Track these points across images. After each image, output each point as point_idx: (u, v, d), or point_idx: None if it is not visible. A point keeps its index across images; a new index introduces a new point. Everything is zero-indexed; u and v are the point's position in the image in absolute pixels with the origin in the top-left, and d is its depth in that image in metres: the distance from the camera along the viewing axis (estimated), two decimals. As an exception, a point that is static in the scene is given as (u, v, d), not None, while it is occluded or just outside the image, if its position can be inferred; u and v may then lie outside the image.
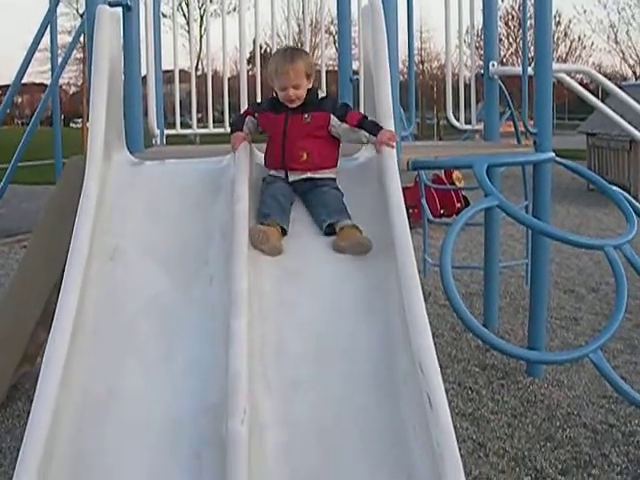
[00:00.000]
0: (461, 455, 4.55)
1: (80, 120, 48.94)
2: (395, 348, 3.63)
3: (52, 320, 3.61)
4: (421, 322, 3.49)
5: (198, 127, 8.22)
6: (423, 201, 8.58)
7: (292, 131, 4.34)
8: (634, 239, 5.16)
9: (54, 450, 3.27)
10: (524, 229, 8.41)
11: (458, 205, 12.42)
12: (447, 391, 5.44)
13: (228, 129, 5.04)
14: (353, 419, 3.45)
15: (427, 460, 3.23)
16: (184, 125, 8.21)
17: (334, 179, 4.39)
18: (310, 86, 4.39)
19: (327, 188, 4.32)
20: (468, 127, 7.66)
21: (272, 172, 4.42)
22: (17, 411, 5.91)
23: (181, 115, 7.89)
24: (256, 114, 4.52)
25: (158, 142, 7.04)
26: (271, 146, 4.47)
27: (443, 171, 12.75)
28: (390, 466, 3.29)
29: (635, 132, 7.98)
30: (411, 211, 10.69)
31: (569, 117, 57.09)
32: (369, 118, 4.41)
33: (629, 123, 8.00)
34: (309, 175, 4.35)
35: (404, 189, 4.13)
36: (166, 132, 7.28)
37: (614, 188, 5.76)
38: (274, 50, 5.38)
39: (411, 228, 3.86)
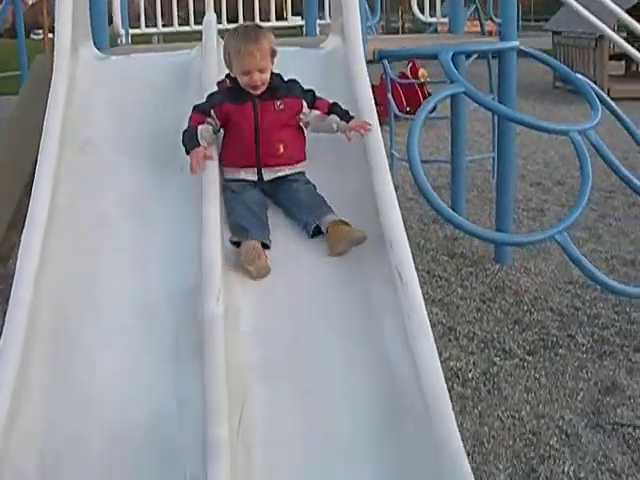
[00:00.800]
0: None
1: (41, 31, 48.08)
2: (365, 226, 3.68)
3: (24, 222, 3.64)
4: (388, 200, 3.60)
5: (163, 27, 8.15)
6: (389, 96, 8.59)
7: (264, 121, 3.80)
8: (598, 126, 5.24)
9: (34, 334, 3.33)
10: (490, 126, 8.45)
11: (423, 101, 12.40)
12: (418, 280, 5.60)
13: (194, 26, 4.80)
14: (324, 295, 3.53)
15: (399, 337, 3.29)
16: (149, 24, 8.14)
17: (303, 172, 3.92)
18: (273, 66, 3.87)
19: (297, 184, 3.84)
20: (433, 20, 7.65)
21: (236, 174, 3.85)
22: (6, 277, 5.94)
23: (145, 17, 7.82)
24: (211, 112, 3.83)
25: (124, 42, 6.99)
26: (237, 141, 3.85)
27: (409, 69, 12.73)
28: (362, 340, 3.36)
29: (603, 26, 7.98)
30: (377, 109, 10.58)
31: (535, 19, 56.75)
32: (337, 104, 3.95)
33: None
34: (286, 172, 3.85)
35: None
36: (131, 32, 7.22)
37: (579, 76, 5.80)
38: None
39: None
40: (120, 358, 3.42)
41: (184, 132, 3.84)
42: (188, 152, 3.79)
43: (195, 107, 3.90)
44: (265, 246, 3.62)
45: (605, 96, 5.81)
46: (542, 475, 3.92)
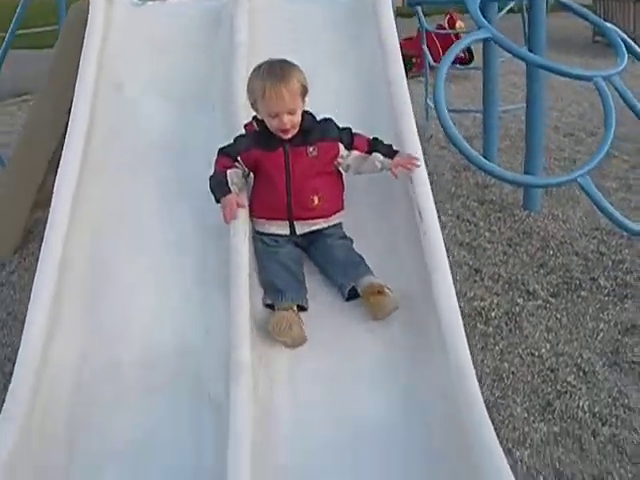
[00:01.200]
0: (457, 280, 4.89)
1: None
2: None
3: (49, 201, 3.82)
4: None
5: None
6: (424, 47, 8.64)
7: (297, 170, 3.47)
8: (623, 72, 5.30)
9: (68, 261, 3.52)
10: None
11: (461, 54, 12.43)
12: (446, 223, 5.78)
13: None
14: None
15: (418, 267, 3.43)
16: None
17: (340, 224, 3.63)
18: (305, 106, 3.51)
19: (332, 239, 3.55)
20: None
21: (267, 226, 3.57)
22: (33, 250, 6.16)
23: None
24: (238, 158, 3.55)
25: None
26: (267, 192, 3.54)
27: (446, 21, 12.73)
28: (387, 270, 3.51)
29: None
30: (414, 61, 10.76)
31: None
32: (379, 139, 3.63)
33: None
34: (321, 225, 3.57)
35: (406, 39, 4.21)
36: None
37: (610, 26, 5.84)
38: None
39: (414, 77, 3.98)
40: (151, 289, 3.61)
41: (211, 177, 3.55)
42: (218, 200, 3.51)
43: (221, 150, 3.59)
44: (301, 308, 3.36)
45: (636, 47, 5.85)
46: (558, 409, 4.05)
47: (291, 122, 3.41)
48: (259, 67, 3.47)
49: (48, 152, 5.97)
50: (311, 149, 3.49)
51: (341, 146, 3.55)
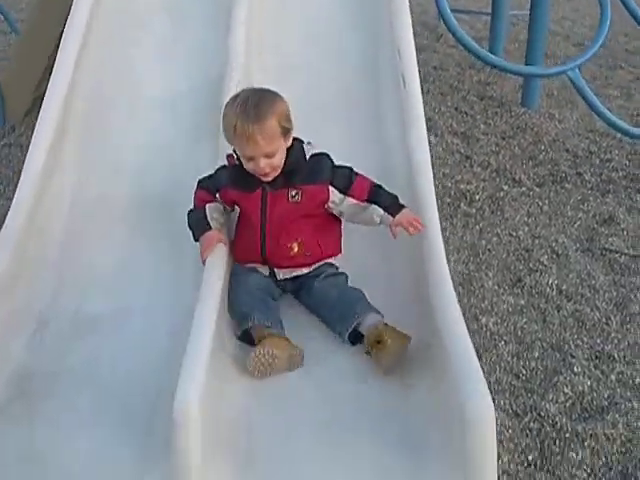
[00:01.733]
0: (447, 164, 5.05)
1: None
2: (379, 36, 3.96)
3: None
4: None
5: None
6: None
7: (274, 215, 3.06)
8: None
9: (71, 103, 3.71)
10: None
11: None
12: (444, 114, 5.93)
13: None
14: (336, 102, 3.84)
15: (400, 144, 3.60)
16: None
17: (330, 263, 3.20)
18: (290, 143, 3.05)
19: (319, 281, 3.12)
20: None
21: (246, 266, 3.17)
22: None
23: None
24: (217, 195, 3.19)
25: None
26: (245, 234, 3.18)
27: None
28: (367, 134, 3.69)
29: None
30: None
31: None
32: (382, 187, 3.14)
33: None
34: (304, 272, 3.16)
35: None
36: None
37: None
38: None
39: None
40: (147, 132, 3.83)
41: (189, 213, 3.22)
42: (197, 238, 3.15)
43: (200, 182, 3.26)
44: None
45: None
46: (527, 285, 4.26)
47: (270, 166, 2.98)
48: (234, 98, 3.04)
49: (61, 20, 6.09)
50: (293, 193, 3.05)
51: (333, 190, 3.08)
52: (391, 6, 3.96)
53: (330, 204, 3.10)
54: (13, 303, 3.09)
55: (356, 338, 2.94)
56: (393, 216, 3.03)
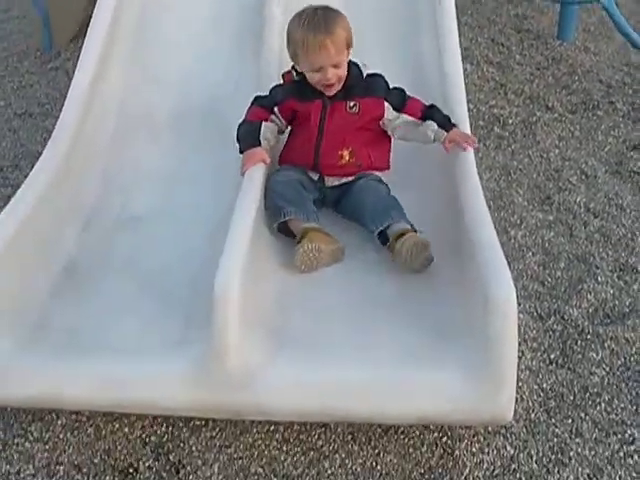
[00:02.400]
0: (483, 91, 5.15)
1: None
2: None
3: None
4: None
5: None
6: None
7: (331, 124, 3.22)
8: None
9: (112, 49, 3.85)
10: None
11: None
12: (480, 44, 6.02)
13: None
14: (372, 16, 3.99)
15: (433, 50, 3.73)
16: None
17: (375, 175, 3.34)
18: (350, 57, 3.23)
19: (363, 180, 3.28)
20: None
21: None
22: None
23: None
24: (275, 110, 3.30)
25: None
26: (298, 143, 3.34)
27: None
28: (403, 49, 3.82)
29: None
30: None
31: None
32: (436, 107, 3.35)
33: None
34: (350, 180, 3.31)
35: None
36: None
37: None
38: None
39: None
40: (189, 49, 4.02)
41: (241, 125, 3.28)
42: (243, 150, 3.23)
43: (256, 99, 3.35)
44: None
45: None
46: (556, 202, 4.38)
47: (336, 76, 3.15)
48: (300, 15, 3.19)
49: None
50: (352, 104, 3.23)
51: (388, 106, 3.27)
52: None
53: (385, 120, 3.29)
54: (62, 201, 3.27)
55: (385, 239, 3.08)
56: (447, 132, 3.22)
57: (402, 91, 3.33)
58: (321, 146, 3.24)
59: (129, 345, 2.68)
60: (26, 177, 3.34)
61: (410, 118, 3.29)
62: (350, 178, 3.30)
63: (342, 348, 2.64)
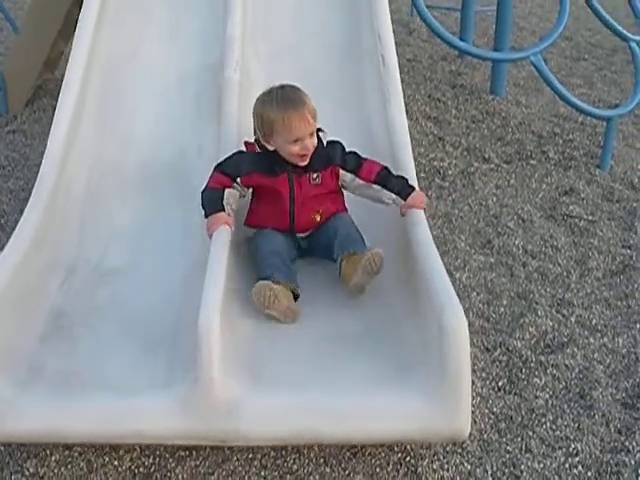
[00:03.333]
0: (422, 145, 5.51)
1: None
2: (361, 23, 4.44)
3: (71, 32, 4.39)
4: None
5: None
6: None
7: (300, 195, 3.50)
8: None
9: (87, 87, 4.16)
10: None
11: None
12: (417, 101, 6.41)
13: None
14: (323, 83, 4.30)
15: (380, 107, 4.07)
16: None
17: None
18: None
19: (331, 219, 3.59)
20: None
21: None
22: (43, 105, 6.79)
23: None
24: (238, 180, 3.50)
25: None
26: (268, 211, 3.59)
27: None
28: (353, 110, 4.16)
29: None
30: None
31: None
32: (391, 171, 3.59)
33: None
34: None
35: None
36: None
37: None
38: None
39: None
40: (154, 111, 4.27)
41: (204, 192, 3.48)
42: (207, 215, 3.43)
43: (218, 166, 3.54)
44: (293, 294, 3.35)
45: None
46: (496, 245, 4.73)
47: (312, 144, 3.39)
48: (268, 94, 3.44)
49: (59, 18, 6.55)
50: (314, 176, 3.50)
51: (344, 173, 3.55)
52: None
53: (342, 182, 3.59)
54: (45, 255, 3.53)
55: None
56: (404, 199, 3.49)
57: (357, 155, 3.57)
58: (294, 213, 3.52)
59: (119, 383, 2.93)
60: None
61: (364, 182, 3.55)
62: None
63: (315, 377, 2.93)
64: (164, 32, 4.60)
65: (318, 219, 3.56)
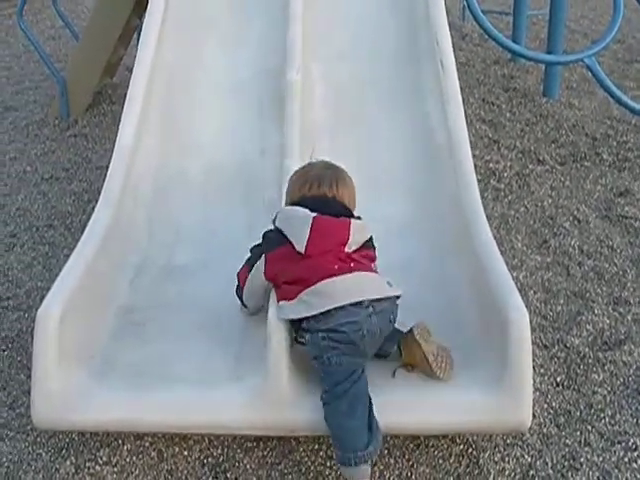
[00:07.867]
0: (478, 147, 5.58)
1: None
2: (417, 27, 4.53)
3: (130, 37, 4.51)
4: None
5: None
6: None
7: None
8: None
9: (151, 94, 4.29)
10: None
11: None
12: (472, 104, 6.47)
13: None
14: (381, 84, 4.42)
15: (438, 107, 4.16)
16: None
17: None
18: None
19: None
20: None
21: None
22: (103, 110, 6.97)
23: None
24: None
25: None
26: None
27: None
28: (411, 110, 4.25)
29: None
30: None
31: None
32: None
33: None
34: None
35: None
36: None
37: None
38: None
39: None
40: (216, 116, 4.40)
41: (237, 289, 3.39)
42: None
43: (250, 259, 3.33)
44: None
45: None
46: (552, 245, 4.79)
47: None
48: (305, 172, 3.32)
49: (120, 24, 6.72)
50: None
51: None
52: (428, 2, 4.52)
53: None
54: (115, 253, 3.67)
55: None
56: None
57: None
58: None
59: (191, 376, 3.04)
60: (60, 236, 3.69)
61: None
62: None
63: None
64: (225, 39, 4.72)
65: None
